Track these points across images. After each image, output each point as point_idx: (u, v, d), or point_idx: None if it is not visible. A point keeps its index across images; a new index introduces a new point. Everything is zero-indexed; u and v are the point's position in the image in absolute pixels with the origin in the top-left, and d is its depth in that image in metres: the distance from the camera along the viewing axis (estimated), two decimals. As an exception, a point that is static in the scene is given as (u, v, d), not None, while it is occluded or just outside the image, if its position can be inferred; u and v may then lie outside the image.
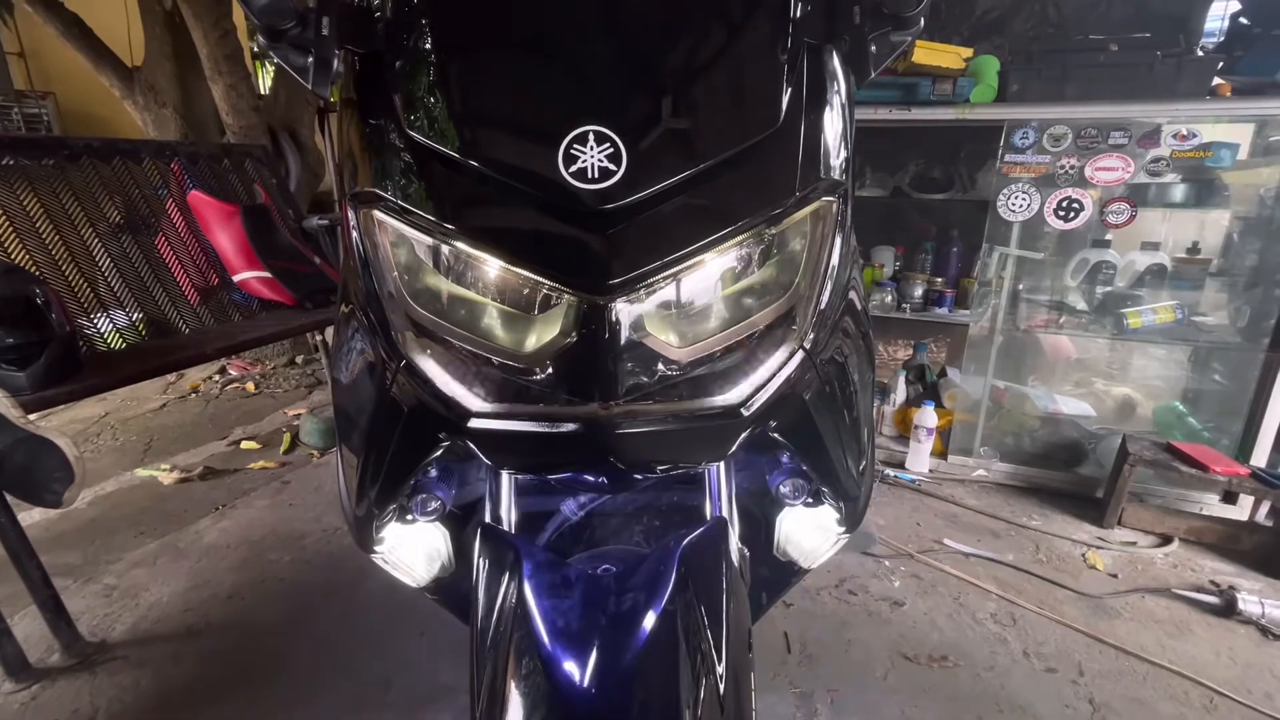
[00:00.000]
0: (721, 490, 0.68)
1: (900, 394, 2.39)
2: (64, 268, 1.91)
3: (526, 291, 0.50)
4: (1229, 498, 1.88)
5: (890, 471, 2.14)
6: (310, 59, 0.52)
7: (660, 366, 0.52)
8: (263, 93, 3.62)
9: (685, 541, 0.60)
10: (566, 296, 0.49)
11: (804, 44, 0.54)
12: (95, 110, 4.05)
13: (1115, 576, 1.63)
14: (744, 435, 0.56)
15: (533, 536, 0.78)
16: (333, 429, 2.46)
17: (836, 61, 0.56)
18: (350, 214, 0.54)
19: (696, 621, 0.56)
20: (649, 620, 0.54)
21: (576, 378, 0.51)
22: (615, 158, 0.47)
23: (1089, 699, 1.24)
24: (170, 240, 2.23)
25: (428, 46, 0.52)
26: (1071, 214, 1.85)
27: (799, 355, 0.54)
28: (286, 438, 2.51)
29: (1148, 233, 2.12)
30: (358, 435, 0.64)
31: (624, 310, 0.49)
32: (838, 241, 0.54)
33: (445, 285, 0.52)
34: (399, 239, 0.52)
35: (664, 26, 0.52)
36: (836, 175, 0.54)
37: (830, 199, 0.53)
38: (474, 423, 0.53)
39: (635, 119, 0.48)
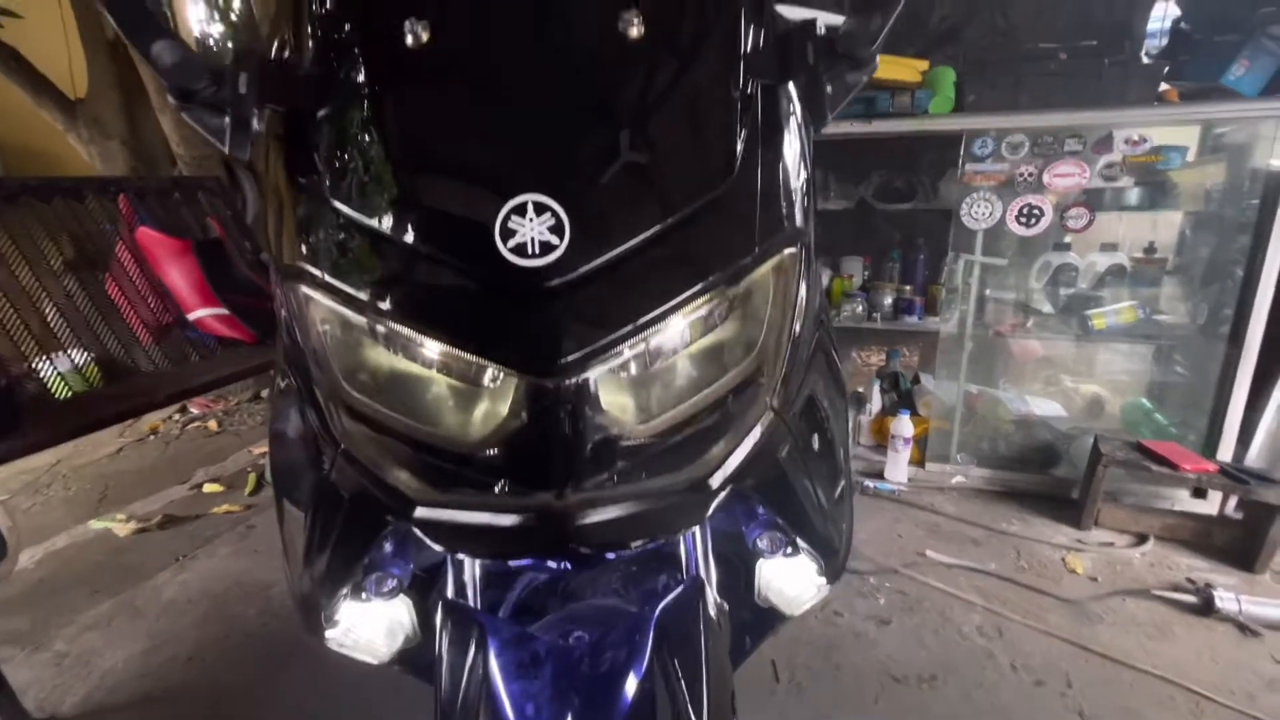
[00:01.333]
0: (696, 546, 0.65)
1: (875, 403, 2.40)
2: (2, 313, 1.81)
3: (471, 372, 0.46)
4: (1199, 493, 1.91)
5: (869, 483, 2.14)
6: (226, 119, 0.48)
7: (619, 446, 0.48)
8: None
9: (661, 607, 0.57)
10: (509, 379, 0.45)
11: (757, 85, 0.51)
12: (36, 144, 3.88)
13: (1095, 580, 1.64)
14: (715, 503, 0.53)
15: (500, 596, 0.74)
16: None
17: (792, 102, 0.53)
18: (278, 287, 0.49)
19: (676, 692, 0.53)
20: (626, 693, 0.51)
21: (526, 465, 0.47)
22: (558, 229, 0.43)
23: (1079, 711, 1.24)
24: (119, 279, 2.14)
25: (354, 106, 0.48)
26: (1033, 220, 1.87)
27: (768, 416, 0.51)
28: (251, 478, 2.42)
29: (1106, 235, 2.16)
30: (298, 517, 0.59)
31: (576, 390, 0.45)
32: (802, 292, 0.51)
33: (382, 365, 0.48)
34: (329, 316, 0.48)
35: (607, 77, 0.49)
36: (798, 222, 0.51)
37: (792, 249, 0.50)
38: (419, 513, 0.49)
39: (578, 184, 0.45)
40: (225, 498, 2.33)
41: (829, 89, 0.52)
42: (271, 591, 1.73)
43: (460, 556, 0.65)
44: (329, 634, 0.63)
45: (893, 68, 1.85)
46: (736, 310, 0.49)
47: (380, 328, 0.46)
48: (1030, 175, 1.84)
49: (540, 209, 0.43)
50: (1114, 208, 1.98)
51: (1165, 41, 1.96)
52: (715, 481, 0.50)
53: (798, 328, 0.51)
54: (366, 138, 0.47)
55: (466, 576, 0.66)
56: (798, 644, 1.42)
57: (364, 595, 0.63)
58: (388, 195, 0.46)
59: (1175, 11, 2.04)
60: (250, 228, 2.78)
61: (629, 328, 0.45)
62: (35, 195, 1.98)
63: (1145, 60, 1.85)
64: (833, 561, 0.65)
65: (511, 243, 0.43)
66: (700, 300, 0.47)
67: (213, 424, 3.05)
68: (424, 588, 0.75)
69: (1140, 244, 2.16)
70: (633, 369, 0.47)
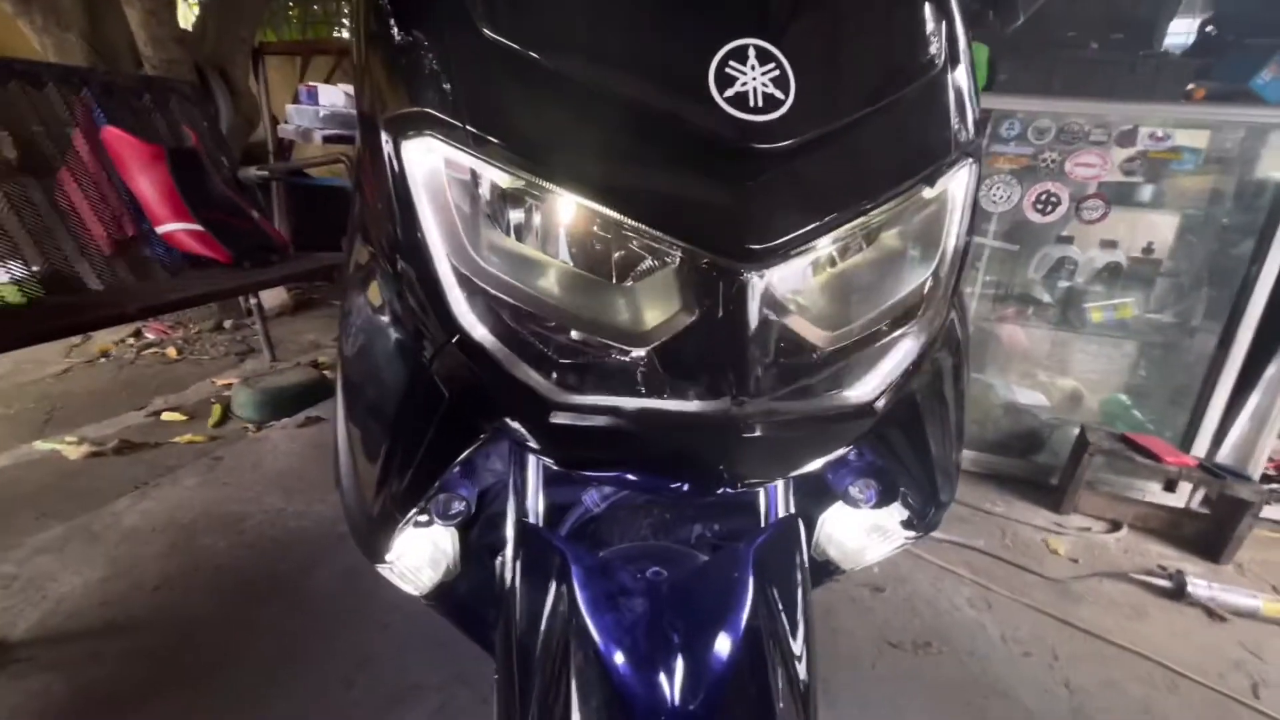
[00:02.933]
0: (780, 488, 0.60)
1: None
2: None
3: (632, 252, 0.39)
4: (1170, 486, 1.99)
5: (860, 457, 2.15)
6: None
7: (799, 355, 0.42)
8: (187, 27, 3.23)
9: (757, 544, 0.53)
10: (691, 262, 0.38)
11: None
12: (-21, 28, 3.50)
13: (1076, 561, 1.69)
14: (863, 430, 0.48)
15: (552, 531, 0.69)
16: (272, 400, 2.25)
17: (981, 3, 0.49)
18: (385, 142, 0.41)
19: (779, 631, 0.49)
20: (733, 630, 0.47)
21: (703, 366, 0.40)
22: (782, 83, 0.37)
23: (1065, 682, 1.27)
24: (79, 182, 1.94)
25: None
26: (1050, 208, 1.88)
27: (924, 340, 0.47)
28: (217, 409, 2.28)
29: (1107, 231, 2.19)
30: (380, 424, 0.52)
31: (769, 283, 0.38)
32: (970, 210, 0.47)
33: (529, 236, 0.41)
34: (462, 175, 0.40)
35: None
36: (975, 135, 0.46)
37: (970, 162, 0.45)
38: (556, 416, 0.42)
39: (805, 37, 0.38)
40: (187, 427, 2.19)
41: None
42: (244, 525, 1.63)
43: (526, 478, 0.59)
44: (389, 557, 0.57)
45: (932, 36, 1.80)
46: (920, 219, 0.45)
47: (538, 188, 0.39)
48: (1053, 162, 1.84)
49: (764, 57, 0.36)
50: (1127, 203, 1.99)
51: (1191, 40, 1.97)
52: (880, 405, 0.45)
53: (966, 248, 0.47)
54: None
55: (529, 505, 0.60)
56: (796, 606, 1.42)
57: (424, 519, 0.56)
58: (564, 21, 0.38)
59: (1203, 14, 2.05)
60: (226, 140, 2.57)
61: (837, 215, 0.39)
62: (-15, 75, 1.77)
63: (1176, 58, 1.84)
64: (938, 512, 0.62)
65: (729, 91, 0.36)
66: (899, 200, 0.42)
67: (171, 351, 2.86)
68: (465, 521, 0.69)
69: (1139, 243, 2.20)
70: (821, 268, 0.42)
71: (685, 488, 0.48)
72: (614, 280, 0.41)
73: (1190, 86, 1.77)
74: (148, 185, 2.01)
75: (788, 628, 0.50)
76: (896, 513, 0.64)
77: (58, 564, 1.46)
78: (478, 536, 0.71)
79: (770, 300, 0.39)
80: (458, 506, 0.57)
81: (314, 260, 2.31)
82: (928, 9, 0.44)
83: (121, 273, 1.98)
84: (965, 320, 0.58)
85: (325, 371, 2.61)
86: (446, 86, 0.39)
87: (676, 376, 0.41)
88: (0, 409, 2.28)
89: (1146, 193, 1.96)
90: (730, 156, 0.37)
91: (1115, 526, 1.87)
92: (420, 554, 0.62)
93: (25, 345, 1.51)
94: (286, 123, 3.53)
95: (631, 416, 0.42)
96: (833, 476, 0.64)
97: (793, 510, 0.61)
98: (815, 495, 0.71)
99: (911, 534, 0.64)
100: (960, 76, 0.45)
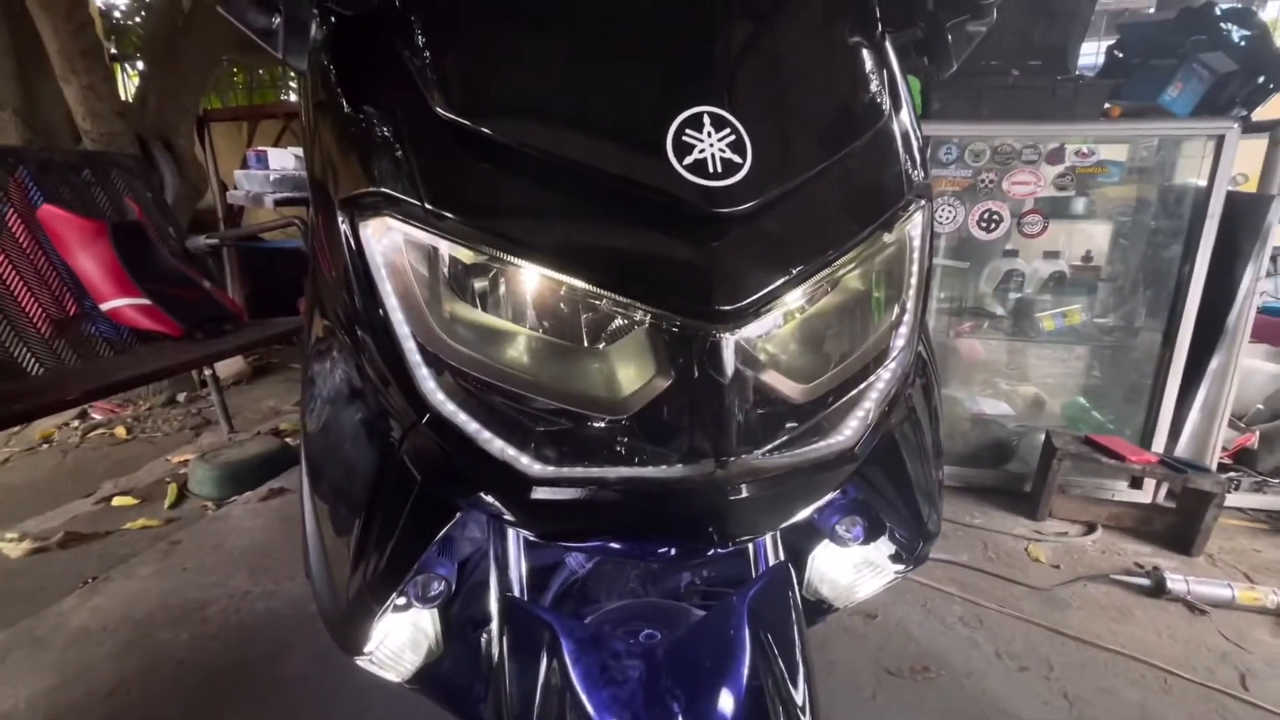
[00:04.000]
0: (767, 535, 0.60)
1: (838, 403, 2.44)
2: None
3: (597, 321, 0.39)
4: (1135, 483, 2.05)
5: (838, 480, 2.16)
6: (277, 20, 0.39)
7: (778, 409, 0.42)
8: (126, 98, 3.19)
9: (750, 595, 0.52)
10: (662, 326, 0.38)
11: (884, 34, 0.48)
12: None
13: (1058, 568, 1.71)
14: (846, 477, 0.48)
15: (536, 598, 0.67)
16: (232, 474, 2.15)
17: (916, 53, 0.51)
18: (342, 221, 0.40)
19: (780, 682, 0.48)
20: (734, 688, 0.45)
21: (683, 429, 0.39)
22: (739, 147, 0.37)
23: (1063, 694, 1.27)
24: (14, 262, 1.87)
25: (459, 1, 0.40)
26: (993, 225, 1.96)
27: (899, 377, 0.47)
28: (172, 489, 2.16)
29: (1049, 243, 2.29)
30: (349, 508, 0.49)
31: (742, 341, 0.38)
32: (928, 248, 0.48)
33: (488, 313, 0.40)
34: (423, 252, 0.39)
35: (761, 12, 0.44)
36: (925, 176, 0.48)
37: (924, 202, 0.47)
38: (537, 492, 0.40)
39: (757, 102, 0.39)
40: (140, 511, 2.07)
41: (950, 39, 0.49)
42: (207, 612, 1.53)
43: (507, 549, 0.57)
44: (367, 648, 0.53)
45: (866, 72, 1.90)
46: (880, 263, 0.45)
47: (502, 261, 0.38)
48: (991, 181, 1.93)
49: (719, 123, 0.37)
50: (1063, 216, 2.10)
51: (1100, 62, 2.11)
52: (860, 451, 0.45)
53: (931, 284, 0.48)
54: (482, 33, 0.40)
55: (512, 576, 0.58)
56: (791, 642, 1.40)
57: (402, 602, 0.53)
58: (516, 96, 0.38)
59: (1107, 36, 2.22)
60: (172, 210, 2.52)
61: (803, 269, 0.39)
62: (-90, 161, 1.70)
63: (1092, 81, 1.97)
64: (926, 546, 0.62)
65: (688, 159, 0.36)
66: (861, 247, 0.43)
67: (120, 430, 2.72)
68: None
69: (1079, 252, 2.31)
70: (797, 318, 0.42)
71: (673, 552, 0.47)
72: (586, 346, 0.41)
73: (1106, 105, 1.89)
74: (89, 262, 1.94)
75: (787, 676, 0.48)
76: (885, 547, 0.63)
77: (-2, 677, 1.34)
78: (460, 610, 0.67)
79: (744, 358, 0.39)
80: (437, 587, 0.55)
81: (271, 326, 2.25)
82: (867, 60, 0.46)
83: (63, 353, 1.89)
84: (930, 346, 0.59)
85: (287, 439, 2.52)
86: (401, 164, 0.39)
87: (657, 442, 0.40)
88: (-70, 508, 2.12)
89: (1080, 205, 2.08)
90: (693, 221, 0.38)
91: (1090, 528, 1.91)
92: (400, 638, 0.59)
93: None
94: (236, 188, 3.48)
95: (614, 486, 0.40)
96: (818, 516, 0.63)
97: (782, 555, 0.60)
98: (804, 533, 0.70)
99: (901, 568, 0.64)
100: (905, 121, 0.47)
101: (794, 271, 0.40)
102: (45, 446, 2.60)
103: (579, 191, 0.38)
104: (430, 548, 0.48)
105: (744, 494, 0.41)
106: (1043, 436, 2.05)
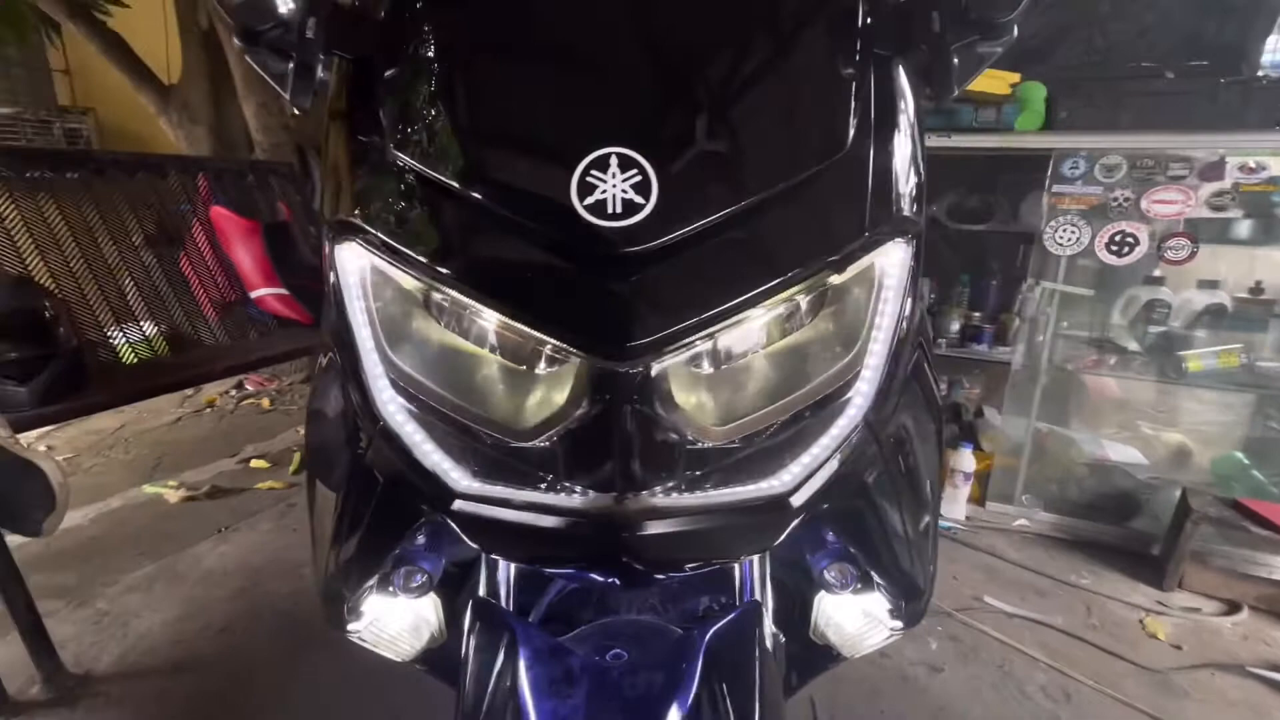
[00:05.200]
0: (754, 569, 0.58)
1: (934, 433, 2.26)
2: (82, 281, 1.89)
3: (529, 349, 0.41)
4: (1301, 562, 1.71)
5: (924, 517, 2.01)
6: (290, 65, 0.45)
7: (691, 450, 0.42)
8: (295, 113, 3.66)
9: (712, 630, 0.51)
10: (573, 360, 0.40)
11: (873, 56, 0.45)
12: (133, 127, 4.13)
13: (1179, 649, 1.47)
14: (791, 527, 0.46)
15: (532, 599, 0.69)
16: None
17: (906, 76, 0.47)
18: (327, 242, 0.45)
19: None
20: None
21: (584, 462, 0.41)
22: (643, 188, 0.38)
23: (1159, 796, 1.10)
24: (192, 256, 2.22)
25: (425, 52, 0.44)
26: (1125, 249, 1.73)
27: (861, 431, 0.45)
28: (296, 457, 2.46)
29: (1205, 270, 1.98)
30: (329, 502, 0.55)
31: (648, 380, 0.39)
32: (909, 291, 0.45)
33: (433, 336, 0.44)
34: (380, 278, 0.43)
35: (707, 33, 0.43)
36: (909, 211, 0.44)
37: (902, 240, 0.43)
38: (458, 505, 0.44)
39: (669, 140, 0.39)
40: (270, 474, 2.37)
41: (955, 61, 0.45)
42: (304, 571, 1.73)
43: (495, 555, 0.60)
44: (351, 626, 0.59)
45: (981, 79, 1.75)
46: (836, 304, 0.43)
47: (435, 293, 0.42)
48: (1126, 200, 1.71)
49: (626, 164, 0.38)
50: (1220, 240, 1.81)
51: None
52: (797, 500, 0.43)
53: (903, 331, 0.44)
54: (434, 87, 0.44)
55: (500, 576, 0.61)
56: (840, 682, 1.32)
57: (391, 589, 0.58)
58: (454, 147, 0.42)
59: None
60: (315, 212, 2.86)
61: (716, 310, 0.39)
62: (122, 169, 2.08)
63: (1265, 82, 1.68)
64: (914, 604, 0.57)
65: (589, 199, 0.38)
66: (797, 287, 0.41)
67: (265, 401, 3.13)
68: (454, 584, 0.71)
69: (1245, 283, 1.97)
70: (713, 361, 0.41)
71: (615, 581, 0.47)
72: (519, 371, 0.42)
73: (1287, 112, 1.61)
74: (245, 255, 2.26)
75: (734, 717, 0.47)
76: (881, 600, 0.59)
77: (143, 602, 1.60)
78: (464, 600, 0.71)
79: (653, 396, 0.39)
80: (419, 580, 0.59)
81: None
82: (836, 89, 0.43)
83: (220, 333, 2.22)
84: (934, 391, 0.54)
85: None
86: (368, 199, 0.44)
87: (568, 470, 0.42)
88: (121, 454, 2.56)
89: (1244, 228, 1.78)
90: (601, 261, 0.39)
91: (1233, 608, 1.62)
92: (401, 623, 0.64)
93: (149, 397, 1.73)
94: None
95: (524, 508, 0.42)
96: (811, 558, 0.60)
97: (769, 589, 0.58)
98: (807, 574, 0.67)
99: (897, 625, 0.59)
100: (887, 152, 0.43)
101: (705, 312, 0.39)
102: (209, 410, 3.06)
103: (499, 232, 0.41)
104: (401, 543, 0.53)
105: (649, 530, 0.41)
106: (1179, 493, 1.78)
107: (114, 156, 2.09)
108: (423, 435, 0.44)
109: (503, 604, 0.61)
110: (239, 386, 3.32)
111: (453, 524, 0.46)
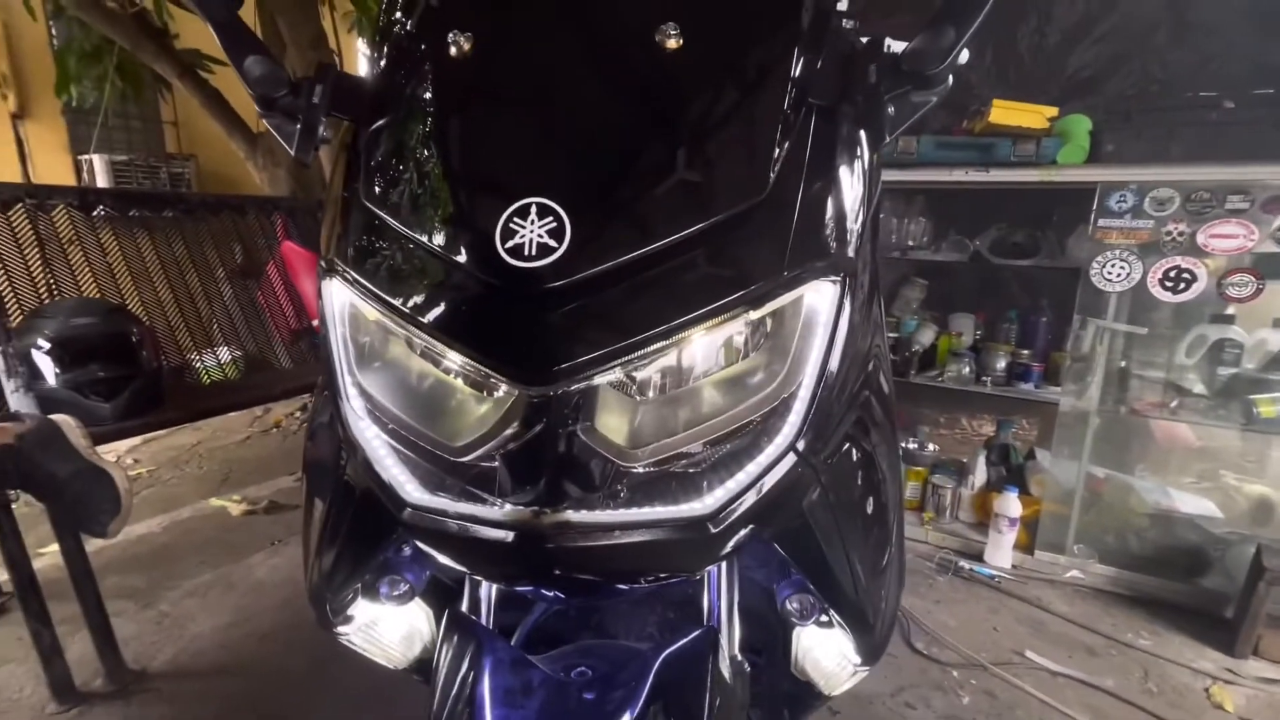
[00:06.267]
0: (721, 593, 0.59)
1: (980, 475, 2.16)
2: (169, 311, 2.11)
3: (470, 376, 0.46)
4: (1405, 634, 1.53)
5: (965, 564, 1.91)
6: (298, 126, 0.53)
7: (610, 469, 0.45)
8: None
9: (665, 653, 0.52)
10: (496, 385, 0.45)
11: (808, 105, 0.48)
12: (228, 171, 4.57)
13: (1249, 722, 1.34)
14: (729, 546, 0.48)
15: (516, 618, 0.72)
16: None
17: (851, 124, 0.50)
18: (320, 275, 0.53)
19: None
20: None
21: (517, 477, 0.45)
22: (558, 233, 0.42)
23: None
24: (266, 287, 2.43)
25: (398, 116, 0.52)
26: (1181, 285, 1.64)
27: (789, 458, 0.46)
28: (348, 477, 2.59)
29: (1277, 308, 1.84)
30: (316, 512, 0.62)
31: (568, 403, 0.43)
32: (842, 327, 0.46)
33: (396, 362, 0.50)
34: (354, 310, 0.50)
35: (636, 87, 0.49)
36: (843, 251, 0.47)
37: (831, 279, 0.46)
38: (408, 515, 0.49)
39: (585, 189, 0.44)
40: (323, 492, 2.50)
41: (891, 109, 0.48)
42: (344, 586, 1.82)
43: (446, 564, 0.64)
44: (341, 629, 0.64)
45: (1014, 113, 1.73)
46: (760, 339, 0.46)
47: (392, 325, 0.48)
48: (1180, 235, 1.62)
49: (544, 212, 0.43)
50: (1292, 277, 1.69)
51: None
52: (716, 524, 0.45)
53: (833, 365, 0.46)
54: (398, 146, 0.51)
55: (482, 593, 0.64)
56: (859, 733, 1.27)
57: (376, 596, 0.63)
58: (408, 198, 0.49)
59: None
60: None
61: (629, 341, 0.43)
62: (209, 209, 2.31)
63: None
64: (866, 640, 0.57)
65: (510, 244, 0.43)
66: (714, 321, 0.44)
67: (326, 424, 3.32)
68: (448, 598, 0.75)
69: (1326, 322, 1.82)
70: (636, 389, 0.45)
71: (557, 595, 0.50)
72: (470, 396, 0.47)
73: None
74: (310, 286, 2.45)
75: None
76: (842, 637, 0.59)
77: (199, 607, 1.72)
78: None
79: (573, 419, 0.43)
80: (402, 588, 0.63)
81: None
82: (758, 139, 0.46)
83: (288, 358, 2.40)
84: (886, 425, 0.55)
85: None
86: (346, 242, 0.51)
87: (500, 486, 0.46)
88: (195, 469, 2.78)
89: (1320, 264, 1.65)
90: (523, 298, 0.43)
91: (1317, 681, 1.46)
92: (394, 631, 0.68)
93: (217, 415, 1.90)
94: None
95: (461, 519, 0.46)
96: (775, 587, 0.61)
97: (732, 617, 0.59)
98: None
99: (859, 662, 0.59)
100: (812, 197, 0.46)
101: (616, 344, 0.42)
102: (275, 430, 3.27)
103: (446, 271, 0.47)
104: (381, 551, 0.58)
105: (576, 544, 0.45)
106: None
107: (202, 198, 2.33)
108: (386, 450, 0.50)
109: (483, 619, 0.64)
110: (304, 409, 3.54)
111: (412, 534, 0.51)
